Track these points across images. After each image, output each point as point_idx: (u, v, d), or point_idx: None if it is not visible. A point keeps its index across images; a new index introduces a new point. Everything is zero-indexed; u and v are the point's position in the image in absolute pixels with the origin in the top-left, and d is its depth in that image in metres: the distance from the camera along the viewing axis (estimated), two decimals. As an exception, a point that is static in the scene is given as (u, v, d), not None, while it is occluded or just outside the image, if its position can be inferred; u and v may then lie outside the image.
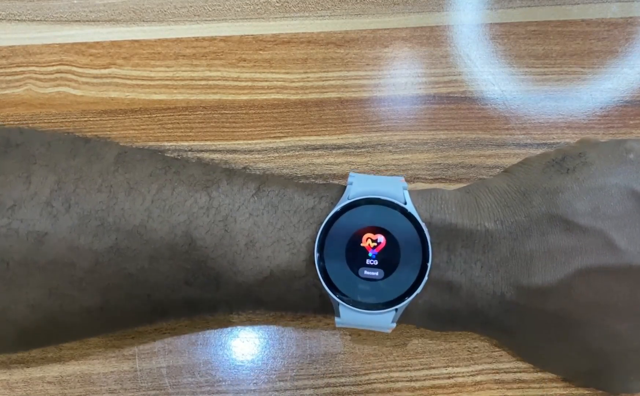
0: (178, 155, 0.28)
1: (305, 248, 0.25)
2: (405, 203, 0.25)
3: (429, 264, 0.24)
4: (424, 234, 0.24)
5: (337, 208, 0.25)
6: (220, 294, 0.26)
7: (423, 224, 0.25)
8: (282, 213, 0.25)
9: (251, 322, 0.30)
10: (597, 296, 0.24)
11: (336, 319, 0.25)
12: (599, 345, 0.24)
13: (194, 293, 0.26)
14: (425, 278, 0.24)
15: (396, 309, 0.25)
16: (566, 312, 0.24)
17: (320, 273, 0.24)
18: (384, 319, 0.25)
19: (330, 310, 0.26)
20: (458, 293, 0.25)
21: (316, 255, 0.24)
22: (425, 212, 0.25)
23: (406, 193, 0.25)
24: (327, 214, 0.25)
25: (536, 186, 0.25)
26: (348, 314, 0.25)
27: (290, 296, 0.26)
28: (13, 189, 0.24)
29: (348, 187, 0.26)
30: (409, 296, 0.24)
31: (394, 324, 0.25)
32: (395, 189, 0.25)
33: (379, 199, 0.25)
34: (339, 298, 0.24)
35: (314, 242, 0.25)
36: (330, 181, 0.33)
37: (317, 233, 0.25)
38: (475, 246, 0.25)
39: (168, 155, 0.27)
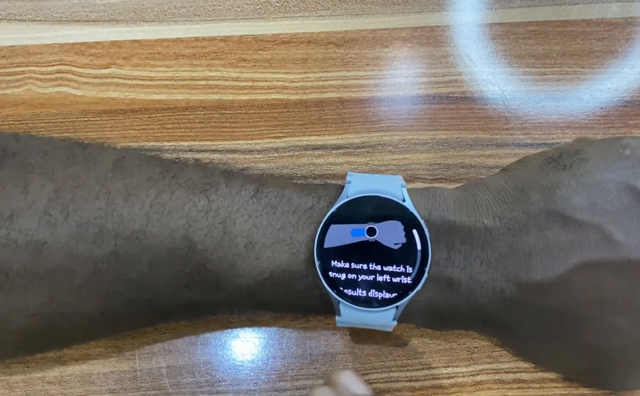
0: (177, 156, 0.28)
1: (305, 247, 0.25)
2: (404, 201, 0.25)
3: (428, 261, 0.24)
4: (423, 232, 0.24)
5: (336, 207, 0.25)
6: (220, 296, 0.26)
7: (422, 222, 0.25)
8: (281, 214, 0.25)
9: (251, 322, 0.30)
10: (596, 291, 0.23)
11: (337, 318, 0.25)
12: (598, 340, 0.24)
13: (194, 296, 0.26)
14: (425, 275, 0.24)
15: (397, 307, 0.24)
16: (565, 307, 0.24)
17: (320, 272, 0.24)
18: (385, 317, 0.25)
19: (331, 310, 0.26)
20: (458, 290, 0.25)
21: (315, 254, 0.24)
22: (423, 210, 0.25)
23: (405, 191, 0.25)
24: (326, 214, 0.25)
25: (534, 182, 0.25)
26: (349, 313, 0.25)
27: (290, 297, 0.26)
28: (10, 199, 0.24)
29: (346, 186, 0.26)
30: (410, 293, 0.24)
31: (395, 322, 0.25)
32: (394, 188, 0.26)
33: (377, 197, 0.25)
34: (339, 296, 0.24)
35: (314, 241, 0.25)
36: (330, 181, 0.33)
37: (316, 232, 0.25)
38: (474, 242, 0.25)
39: (166, 157, 0.27)
